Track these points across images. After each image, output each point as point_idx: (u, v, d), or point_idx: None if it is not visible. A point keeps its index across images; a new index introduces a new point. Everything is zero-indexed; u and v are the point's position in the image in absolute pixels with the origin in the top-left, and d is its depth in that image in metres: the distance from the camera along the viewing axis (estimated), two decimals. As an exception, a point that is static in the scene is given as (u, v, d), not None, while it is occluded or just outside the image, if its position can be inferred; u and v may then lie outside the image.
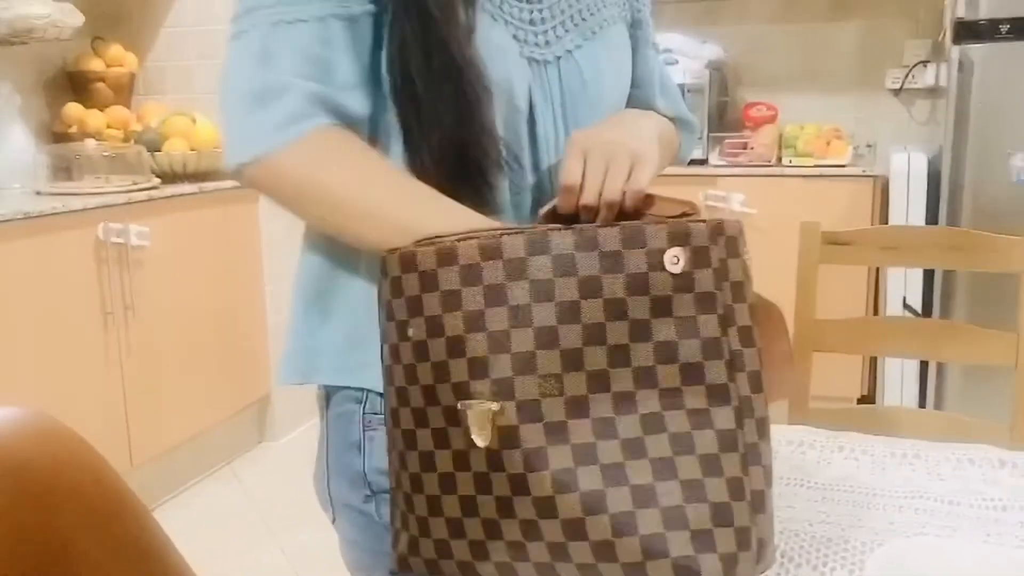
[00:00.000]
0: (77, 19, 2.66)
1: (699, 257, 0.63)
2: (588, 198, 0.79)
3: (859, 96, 3.31)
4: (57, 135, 2.86)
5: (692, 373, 0.62)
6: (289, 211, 0.80)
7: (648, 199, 0.79)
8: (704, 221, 0.64)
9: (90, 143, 2.75)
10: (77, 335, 2.32)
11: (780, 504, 0.92)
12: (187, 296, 2.68)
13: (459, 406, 0.61)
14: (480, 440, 0.60)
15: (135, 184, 2.58)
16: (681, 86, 3.08)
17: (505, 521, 0.62)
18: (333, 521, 0.94)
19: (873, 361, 2.96)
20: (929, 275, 2.77)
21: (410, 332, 0.65)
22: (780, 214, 2.84)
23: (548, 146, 0.89)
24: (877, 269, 2.89)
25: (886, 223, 2.84)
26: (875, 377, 2.99)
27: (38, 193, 2.54)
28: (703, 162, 3.12)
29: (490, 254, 0.62)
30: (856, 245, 1.53)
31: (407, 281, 0.65)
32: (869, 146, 3.20)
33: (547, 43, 0.89)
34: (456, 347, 0.62)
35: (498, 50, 0.83)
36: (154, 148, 2.76)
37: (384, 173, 0.79)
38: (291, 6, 0.77)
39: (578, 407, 0.61)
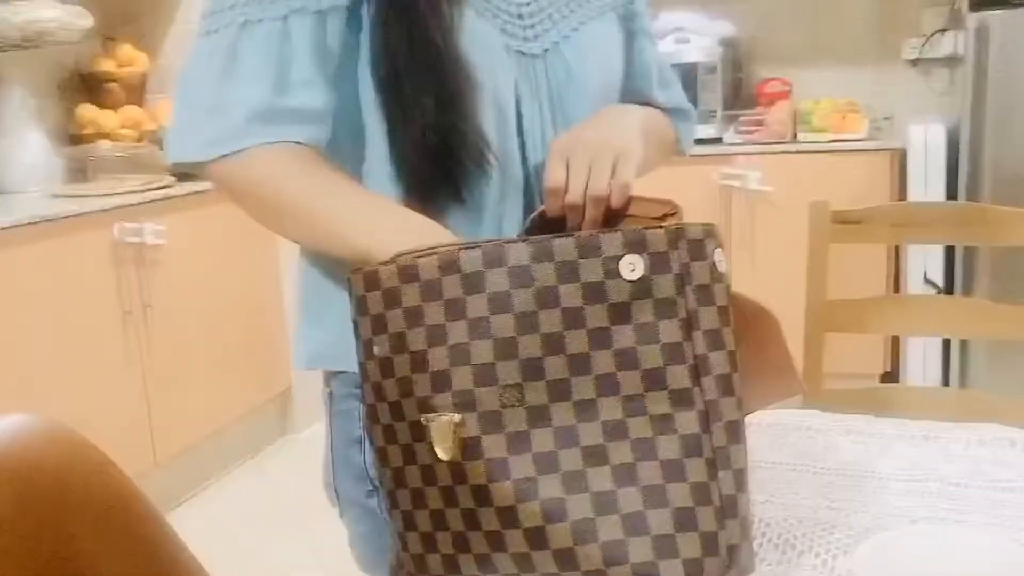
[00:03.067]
0: (87, 20, 2.68)
1: (657, 263, 0.62)
2: (573, 198, 0.79)
3: (875, 68, 3.25)
4: (72, 137, 2.89)
5: (654, 379, 0.62)
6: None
7: (629, 200, 0.78)
8: (663, 227, 0.63)
9: (104, 144, 2.78)
10: (96, 335, 2.35)
11: (786, 490, 0.91)
12: (205, 292, 2.70)
13: (422, 420, 0.61)
14: (443, 453, 0.60)
15: (150, 183, 2.60)
16: (693, 64, 3.06)
17: (472, 533, 0.62)
18: (341, 516, 0.95)
19: (896, 338, 2.92)
20: (950, 251, 2.73)
21: (375, 350, 0.65)
22: (797, 191, 2.81)
23: (535, 140, 0.88)
24: (897, 247, 2.85)
25: (905, 197, 2.80)
26: (898, 353, 2.95)
27: (54, 195, 2.56)
28: (718, 140, 3.08)
29: (449, 269, 0.62)
30: (867, 223, 1.51)
31: (371, 299, 0.65)
32: (887, 119, 3.15)
33: (535, 36, 0.88)
34: (419, 362, 0.62)
35: (483, 45, 0.83)
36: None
37: (329, 185, 0.81)
38: (257, 5, 0.78)
39: (539, 416, 0.61)
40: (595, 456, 0.61)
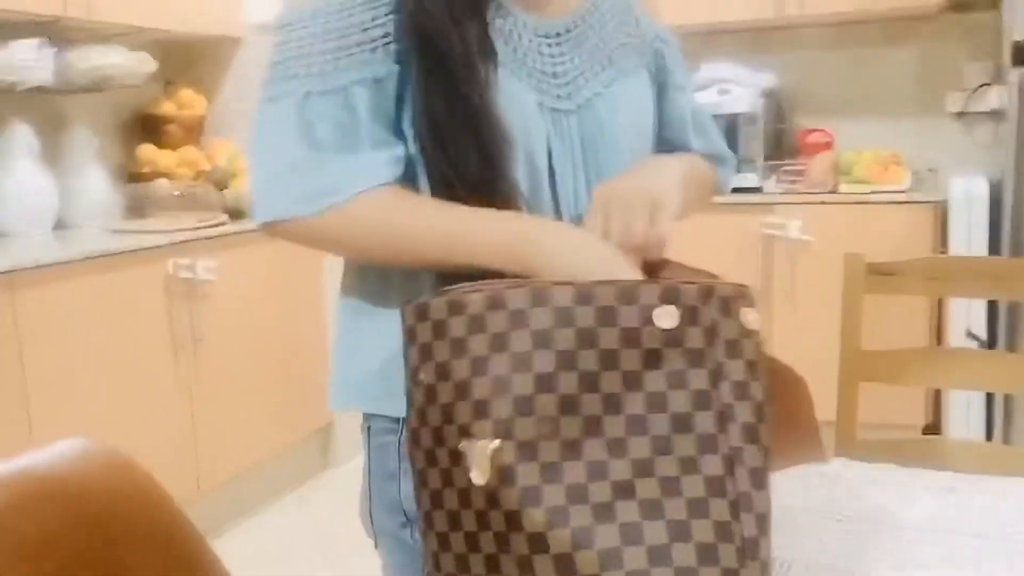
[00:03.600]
0: (150, 66, 2.80)
1: (689, 315, 0.67)
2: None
3: (919, 120, 3.26)
4: (132, 175, 3.01)
5: (681, 422, 0.66)
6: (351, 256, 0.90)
7: (669, 266, 0.83)
8: (695, 283, 0.68)
9: (162, 182, 2.88)
10: (149, 366, 2.43)
11: (808, 535, 0.93)
12: (252, 327, 2.78)
13: (460, 446, 0.65)
14: (479, 477, 0.64)
15: (204, 220, 2.69)
16: (735, 115, 3.09)
17: (503, 556, 0.65)
18: (376, 546, 0.98)
19: (938, 391, 2.90)
20: (993, 305, 2.71)
21: (421, 377, 0.69)
22: (837, 241, 2.82)
23: (568, 195, 0.92)
24: (940, 299, 2.83)
25: (947, 250, 2.79)
26: (939, 406, 2.92)
27: (113, 231, 2.67)
28: (759, 190, 3.11)
29: (495, 305, 0.66)
30: (902, 276, 1.53)
31: (420, 329, 0.70)
32: (931, 171, 3.15)
33: (568, 94, 0.92)
34: (462, 390, 0.66)
35: (516, 103, 0.87)
36: (223, 186, 2.88)
37: (433, 205, 0.85)
38: (319, 78, 0.83)
39: (572, 449, 0.65)
40: (624, 490, 0.65)
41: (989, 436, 2.73)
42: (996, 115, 3.10)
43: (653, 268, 0.83)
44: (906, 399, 2.82)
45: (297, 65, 0.84)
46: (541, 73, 0.91)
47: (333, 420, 3.15)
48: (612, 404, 0.65)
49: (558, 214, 0.92)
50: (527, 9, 0.91)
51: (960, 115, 3.20)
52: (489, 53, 0.86)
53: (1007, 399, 2.65)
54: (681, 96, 1.06)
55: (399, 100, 0.86)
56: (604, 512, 0.64)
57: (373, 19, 0.84)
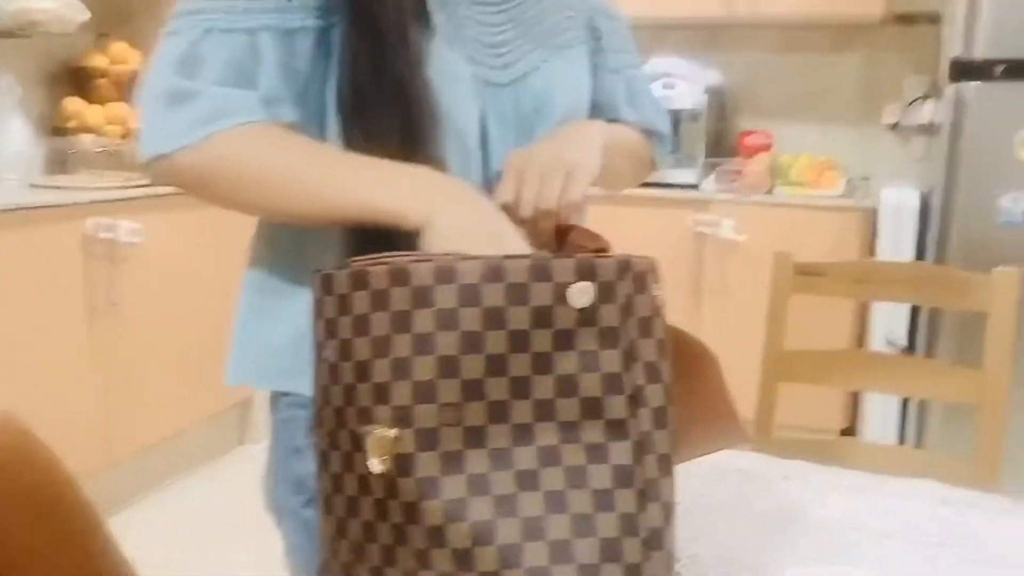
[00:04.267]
0: (82, 15, 2.69)
1: (605, 292, 0.63)
2: (524, 213, 0.80)
3: (856, 129, 3.32)
4: (56, 128, 2.89)
5: (591, 407, 0.63)
6: (217, 203, 0.81)
7: (569, 227, 0.80)
8: (611, 256, 0.64)
9: (87, 138, 2.77)
10: (60, 329, 2.34)
11: (718, 529, 0.93)
12: (174, 294, 2.69)
13: (360, 430, 0.62)
14: (377, 466, 0.61)
15: (129, 180, 2.60)
16: (678, 111, 3.10)
17: (400, 548, 0.62)
18: (278, 525, 0.95)
19: (855, 394, 2.96)
20: (915, 310, 2.78)
21: (325, 354, 0.66)
22: (769, 242, 2.84)
23: (499, 171, 0.88)
24: (864, 304, 2.89)
25: (873, 256, 2.85)
26: (856, 410, 2.98)
27: (32, 185, 2.56)
28: (695, 187, 3.13)
29: (398, 280, 0.62)
30: (829, 277, 1.54)
31: (326, 303, 0.66)
32: (864, 179, 3.21)
33: (504, 66, 0.89)
34: (362, 371, 0.62)
35: (449, 76, 0.83)
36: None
37: (319, 149, 0.80)
38: (228, 15, 0.78)
39: (475, 437, 0.62)
40: (527, 481, 0.62)
41: (902, 440, 2.79)
42: (930, 128, 3.16)
43: (561, 233, 0.80)
44: (825, 402, 2.87)
45: (204, 1, 0.79)
46: (478, 43, 0.87)
47: (252, 395, 3.08)
48: (520, 388, 0.62)
49: (489, 193, 0.88)
50: None
51: (896, 126, 3.27)
52: (424, 20, 0.82)
53: (921, 404, 2.71)
54: (615, 77, 1.03)
55: (319, 65, 0.82)
56: (506, 505, 0.61)
57: None
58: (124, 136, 2.88)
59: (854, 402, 2.99)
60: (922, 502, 0.99)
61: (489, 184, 0.89)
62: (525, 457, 0.62)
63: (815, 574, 0.75)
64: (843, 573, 0.80)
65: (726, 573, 0.83)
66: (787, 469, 1.07)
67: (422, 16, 0.82)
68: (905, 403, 2.81)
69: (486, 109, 0.88)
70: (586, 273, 0.63)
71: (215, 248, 2.82)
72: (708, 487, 1.02)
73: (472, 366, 0.61)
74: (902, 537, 0.91)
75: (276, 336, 0.88)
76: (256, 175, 0.78)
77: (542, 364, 0.62)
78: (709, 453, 0.79)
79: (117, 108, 2.94)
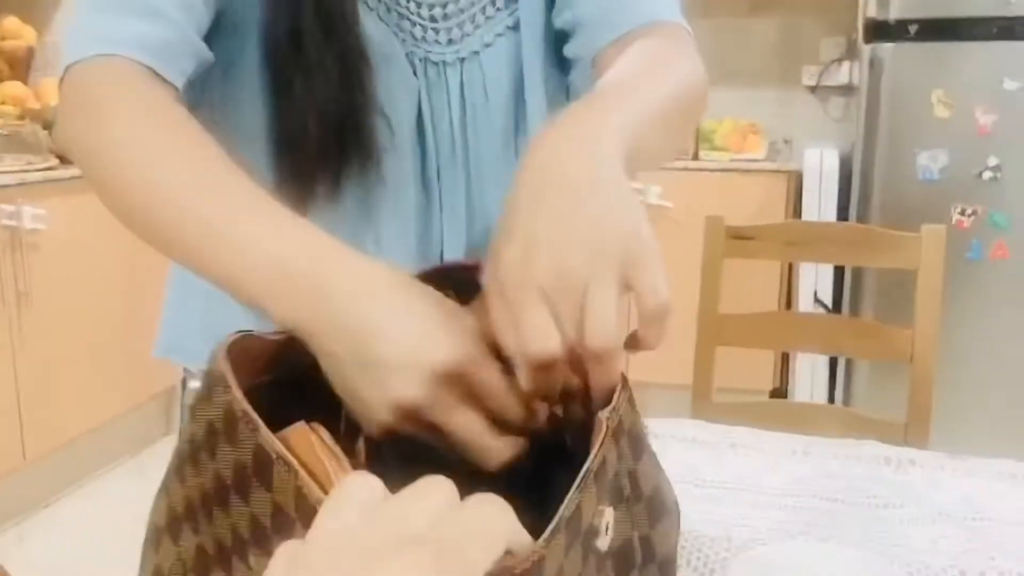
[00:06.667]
0: (-31, -11, 2.53)
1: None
2: (519, 359, 0.46)
3: (777, 92, 3.34)
4: (-53, 111, 2.72)
5: None
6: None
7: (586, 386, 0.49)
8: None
9: (-18, 120, 2.62)
10: (-37, 323, 2.21)
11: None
12: (87, 282, 2.57)
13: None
14: None
15: (31, 164, 2.46)
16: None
17: None
18: None
19: (786, 355, 3.00)
20: (840, 271, 2.82)
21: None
22: (696, 208, 2.85)
23: (438, 170, 0.78)
24: (790, 265, 2.92)
25: (799, 217, 2.88)
26: (787, 371, 3.03)
27: (-77, 172, 2.40)
28: (622, 154, 3.11)
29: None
30: (760, 240, 1.53)
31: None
32: (787, 142, 3.24)
33: (449, 41, 0.77)
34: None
35: (379, 56, 0.72)
36: (52, 127, 2.64)
37: (209, 171, 0.57)
38: None
39: None
40: None
41: (832, 399, 2.85)
42: (848, 89, 3.20)
43: (570, 395, 0.47)
44: (756, 363, 2.90)
45: None
46: (416, 16, 0.76)
47: (175, 384, 2.97)
48: None
49: (427, 187, 0.78)
50: None
51: (815, 88, 3.30)
52: None
53: (848, 363, 2.77)
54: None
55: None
56: None
57: None
58: (22, 117, 2.72)
59: (784, 363, 3.03)
60: (867, 464, 0.98)
61: (425, 179, 0.78)
62: None
63: (781, 551, 0.73)
64: (807, 546, 0.78)
65: (681, 547, 0.81)
66: (734, 436, 1.06)
67: None
68: (833, 363, 2.86)
69: (423, 94, 0.76)
70: None
71: (123, 230, 2.69)
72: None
73: None
74: (850, 501, 0.90)
75: (193, 310, 0.82)
76: (113, 158, 0.61)
77: None
78: None
79: (12, 87, 2.78)
